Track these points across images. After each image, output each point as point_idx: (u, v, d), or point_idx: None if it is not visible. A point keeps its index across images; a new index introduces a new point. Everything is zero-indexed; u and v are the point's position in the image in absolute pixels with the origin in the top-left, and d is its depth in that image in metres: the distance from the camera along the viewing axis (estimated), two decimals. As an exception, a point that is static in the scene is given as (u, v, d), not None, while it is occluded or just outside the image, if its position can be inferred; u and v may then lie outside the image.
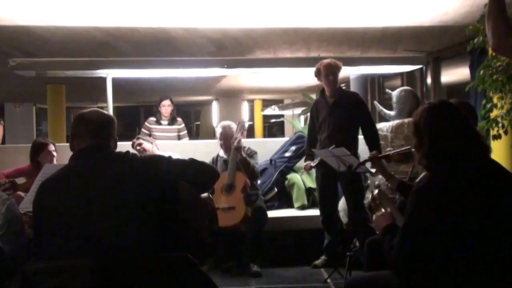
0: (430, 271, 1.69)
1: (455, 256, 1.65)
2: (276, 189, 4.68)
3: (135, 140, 4.46)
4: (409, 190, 2.40)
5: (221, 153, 4.29)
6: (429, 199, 1.70)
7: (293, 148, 4.84)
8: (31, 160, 4.03)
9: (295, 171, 4.85)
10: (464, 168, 1.75)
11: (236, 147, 3.93)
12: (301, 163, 4.82)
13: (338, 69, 3.89)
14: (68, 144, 2.06)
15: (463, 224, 1.65)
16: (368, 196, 2.28)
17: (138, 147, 4.30)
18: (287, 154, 4.86)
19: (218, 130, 4.28)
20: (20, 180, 3.99)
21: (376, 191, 2.26)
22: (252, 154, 4.17)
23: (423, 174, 2.70)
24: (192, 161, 2.07)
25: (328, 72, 3.85)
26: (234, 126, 4.20)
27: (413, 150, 2.52)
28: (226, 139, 4.17)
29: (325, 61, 3.92)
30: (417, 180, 2.81)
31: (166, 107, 5.67)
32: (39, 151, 3.99)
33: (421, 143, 1.84)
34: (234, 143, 3.92)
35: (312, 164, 3.89)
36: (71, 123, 2.04)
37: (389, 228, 1.91)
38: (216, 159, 4.29)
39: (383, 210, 2.07)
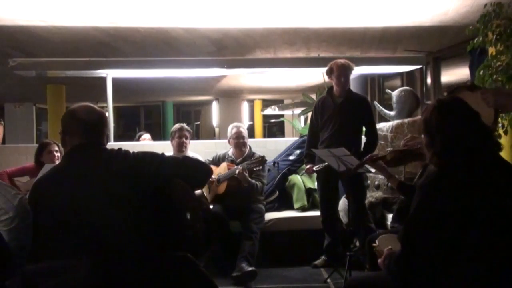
0: (431, 267, 1.66)
1: (460, 252, 1.63)
2: (277, 192, 4.68)
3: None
4: (410, 190, 2.36)
5: (230, 152, 4.35)
6: (437, 193, 1.66)
7: (298, 152, 4.84)
8: (35, 160, 4.04)
9: (296, 173, 4.86)
10: (475, 164, 1.71)
11: (239, 175, 3.92)
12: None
13: (350, 70, 3.90)
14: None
15: (470, 220, 1.62)
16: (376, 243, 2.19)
17: (185, 140, 4.29)
18: (291, 158, 4.86)
19: (233, 130, 4.31)
20: (24, 179, 4.02)
21: (376, 243, 2.16)
22: (259, 173, 4.11)
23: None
24: (185, 159, 2.09)
25: (341, 73, 3.85)
26: (245, 128, 4.37)
27: (419, 147, 2.48)
28: (239, 138, 4.25)
29: (339, 61, 3.90)
30: (416, 177, 2.80)
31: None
32: (41, 151, 4.01)
33: (433, 142, 1.78)
34: (240, 172, 3.90)
35: (315, 168, 3.91)
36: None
37: (387, 254, 1.87)
38: (223, 157, 4.36)
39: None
